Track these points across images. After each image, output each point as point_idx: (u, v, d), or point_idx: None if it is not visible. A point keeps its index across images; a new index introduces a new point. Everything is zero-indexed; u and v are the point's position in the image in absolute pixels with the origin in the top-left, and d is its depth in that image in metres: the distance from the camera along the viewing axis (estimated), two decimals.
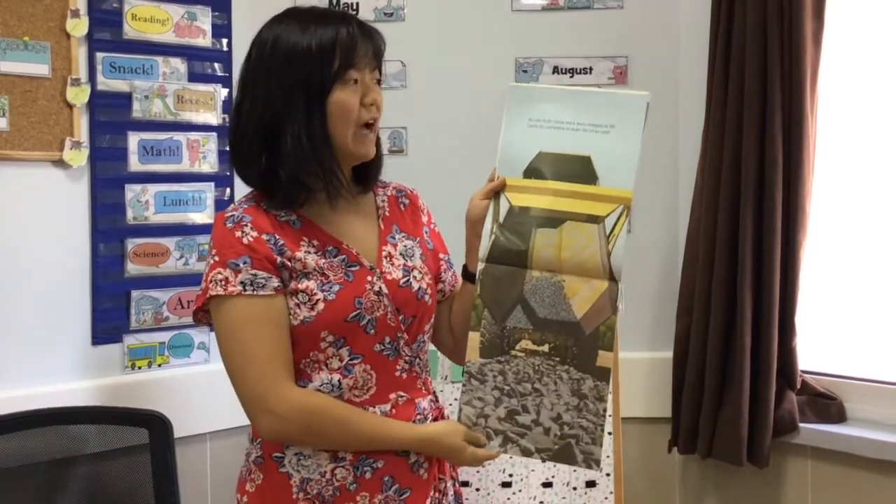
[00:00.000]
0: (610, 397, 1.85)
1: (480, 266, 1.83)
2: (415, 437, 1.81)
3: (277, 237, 1.78)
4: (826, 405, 2.72)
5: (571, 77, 2.99)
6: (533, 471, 2.71)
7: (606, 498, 2.70)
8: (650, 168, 2.94)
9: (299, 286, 1.76)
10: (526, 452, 1.80)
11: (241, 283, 1.74)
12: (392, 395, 1.83)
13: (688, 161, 2.95)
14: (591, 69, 3.00)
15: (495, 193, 1.84)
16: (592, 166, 1.80)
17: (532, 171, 1.82)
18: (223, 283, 1.74)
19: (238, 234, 1.76)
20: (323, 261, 1.79)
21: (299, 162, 1.76)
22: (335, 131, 1.78)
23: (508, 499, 2.70)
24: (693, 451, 2.80)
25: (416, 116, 3.02)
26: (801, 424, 2.70)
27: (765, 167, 2.65)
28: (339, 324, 1.77)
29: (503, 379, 1.81)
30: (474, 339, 1.82)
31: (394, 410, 1.83)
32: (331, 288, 1.77)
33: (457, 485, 2.00)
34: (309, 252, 1.79)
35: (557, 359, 1.79)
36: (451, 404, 2.57)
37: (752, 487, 2.82)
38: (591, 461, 1.78)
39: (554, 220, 1.80)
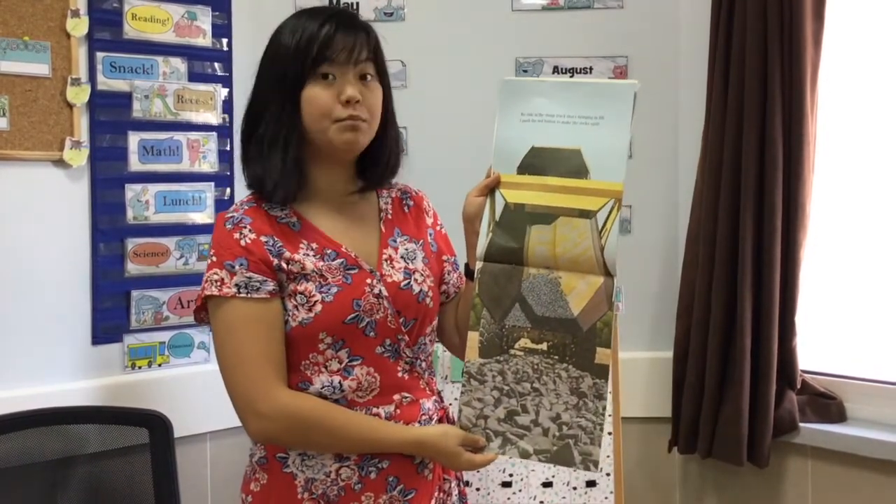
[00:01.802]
0: (610, 397, 1.84)
1: (478, 265, 1.81)
2: (407, 441, 1.80)
3: (276, 239, 1.77)
4: (826, 405, 2.72)
5: (571, 76, 2.99)
6: (533, 471, 2.71)
7: (606, 498, 2.70)
8: (650, 168, 2.95)
9: (298, 288, 1.76)
10: (524, 454, 1.78)
11: (236, 284, 1.74)
12: (396, 396, 1.82)
13: (688, 161, 2.95)
14: (591, 69, 3.00)
15: (491, 190, 1.82)
16: (583, 159, 1.78)
17: (526, 167, 1.80)
18: (218, 283, 1.75)
19: (236, 235, 1.76)
20: (321, 263, 1.78)
21: (263, 158, 1.77)
22: (309, 128, 1.77)
23: (508, 499, 2.70)
24: (693, 450, 2.81)
25: (416, 116, 3.01)
26: (802, 424, 2.70)
27: (765, 167, 2.65)
28: (338, 325, 1.76)
29: (502, 379, 1.79)
30: (473, 338, 1.80)
31: (398, 411, 1.82)
32: (329, 290, 1.77)
33: (461, 485, 1.99)
34: (308, 254, 1.78)
35: (556, 357, 1.77)
36: (451, 404, 2.56)
37: (752, 487, 2.82)
38: (590, 462, 1.76)
39: (547, 216, 1.78)
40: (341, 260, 1.80)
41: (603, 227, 1.75)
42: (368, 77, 1.81)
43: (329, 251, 1.80)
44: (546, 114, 1.81)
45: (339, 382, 1.78)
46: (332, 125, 1.77)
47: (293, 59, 1.75)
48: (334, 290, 1.77)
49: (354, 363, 1.79)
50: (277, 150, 1.77)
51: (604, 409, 1.75)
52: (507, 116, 1.83)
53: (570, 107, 1.80)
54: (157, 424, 2.54)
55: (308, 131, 1.77)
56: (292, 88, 1.75)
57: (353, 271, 1.80)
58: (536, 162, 1.80)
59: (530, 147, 1.81)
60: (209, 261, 1.78)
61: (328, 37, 1.75)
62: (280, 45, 1.77)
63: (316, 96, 1.75)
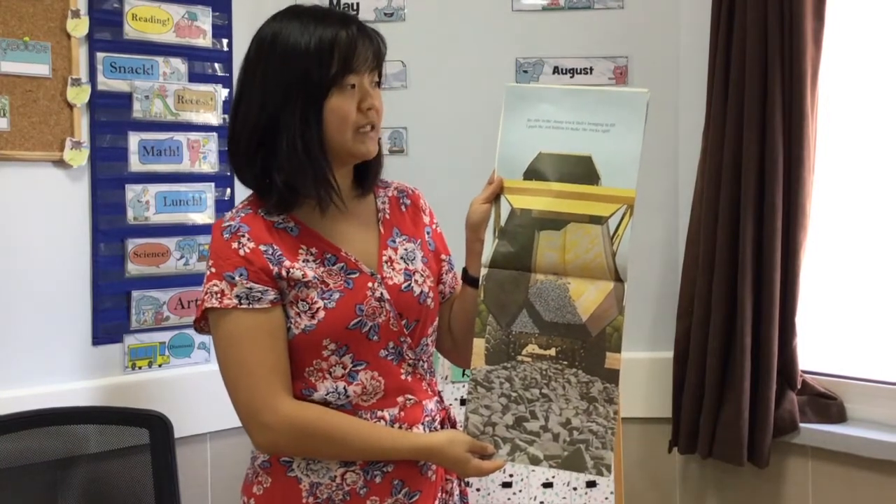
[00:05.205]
0: None
1: (484, 271, 1.80)
2: (414, 447, 1.79)
3: (276, 247, 1.75)
4: (826, 405, 2.72)
5: (572, 77, 2.99)
6: (533, 471, 2.71)
7: (607, 498, 2.71)
8: (650, 168, 2.92)
9: (299, 295, 1.75)
10: (534, 461, 1.77)
11: (237, 296, 1.72)
12: (400, 399, 1.82)
13: (688, 161, 2.95)
14: (591, 69, 3.00)
15: (496, 196, 1.81)
16: (594, 166, 1.78)
17: (532, 173, 1.79)
18: (219, 295, 1.73)
19: (234, 245, 1.74)
20: (322, 269, 1.77)
21: (294, 169, 1.74)
22: (331, 137, 1.75)
23: (509, 499, 2.70)
24: (693, 450, 2.81)
25: (416, 116, 3.01)
26: (802, 424, 2.70)
27: (765, 167, 2.65)
28: (341, 331, 1.75)
29: (510, 385, 1.78)
30: (479, 345, 1.79)
31: (402, 413, 1.81)
32: (331, 296, 1.75)
33: (462, 484, 1.99)
34: (308, 261, 1.77)
35: (565, 362, 1.76)
36: (451, 404, 2.56)
37: (752, 487, 2.83)
38: (602, 466, 1.75)
39: (557, 221, 1.77)
40: (341, 264, 1.79)
41: (615, 233, 1.75)
42: (376, 82, 1.81)
43: (329, 255, 1.79)
44: (554, 120, 1.80)
45: (344, 388, 1.78)
46: (354, 134, 1.77)
47: (316, 67, 1.72)
48: (336, 295, 1.76)
49: (359, 368, 1.78)
50: (314, 159, 1.74)
51: (615, 413, 1.75)
52: (512, 122, 1.82)
53: (579, 114, 1.79)
54: (157, 425, 2.54)
55: (327, 139, 1.75)
56: (316, 97, 1.73)
57: (353, 275, 1.79)
58: (544, 168, 1.79)
59: (538, 153, 1.80)
60: (208, 272, 1.76)
61: (352, 45, 1.74)
62: (294, 49, 1.73)
63: (342, 106, 1.74)
